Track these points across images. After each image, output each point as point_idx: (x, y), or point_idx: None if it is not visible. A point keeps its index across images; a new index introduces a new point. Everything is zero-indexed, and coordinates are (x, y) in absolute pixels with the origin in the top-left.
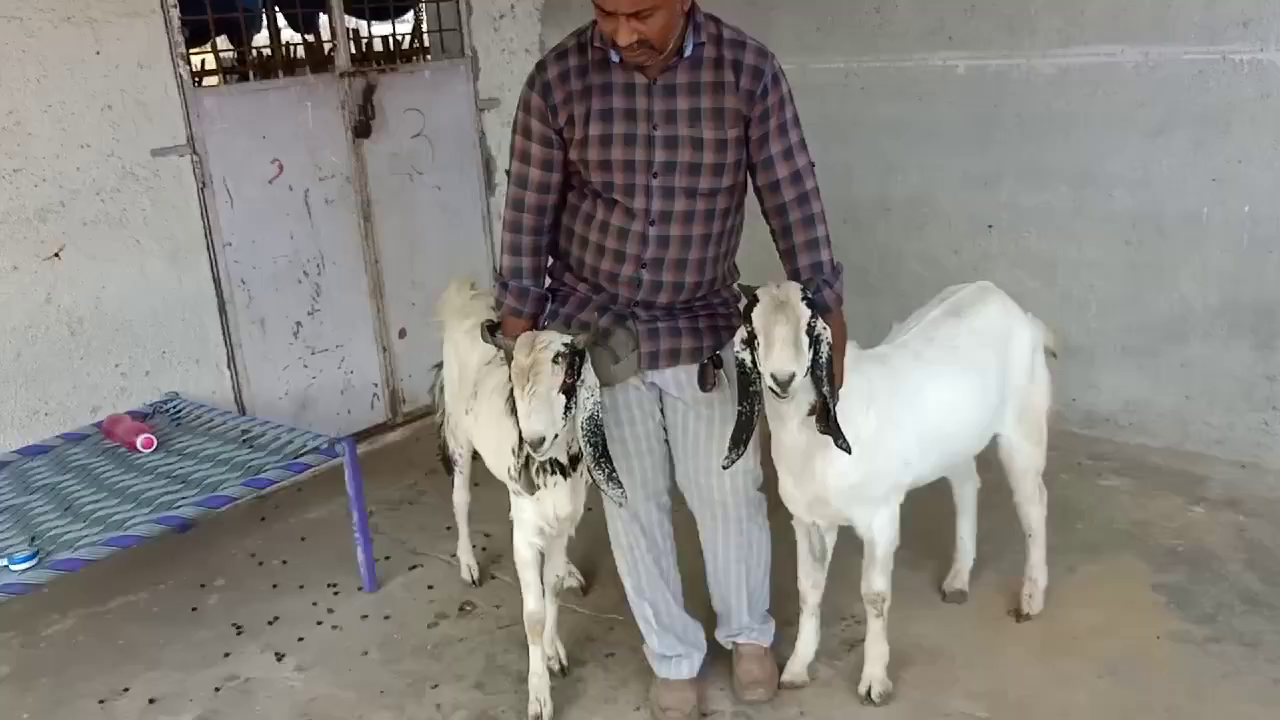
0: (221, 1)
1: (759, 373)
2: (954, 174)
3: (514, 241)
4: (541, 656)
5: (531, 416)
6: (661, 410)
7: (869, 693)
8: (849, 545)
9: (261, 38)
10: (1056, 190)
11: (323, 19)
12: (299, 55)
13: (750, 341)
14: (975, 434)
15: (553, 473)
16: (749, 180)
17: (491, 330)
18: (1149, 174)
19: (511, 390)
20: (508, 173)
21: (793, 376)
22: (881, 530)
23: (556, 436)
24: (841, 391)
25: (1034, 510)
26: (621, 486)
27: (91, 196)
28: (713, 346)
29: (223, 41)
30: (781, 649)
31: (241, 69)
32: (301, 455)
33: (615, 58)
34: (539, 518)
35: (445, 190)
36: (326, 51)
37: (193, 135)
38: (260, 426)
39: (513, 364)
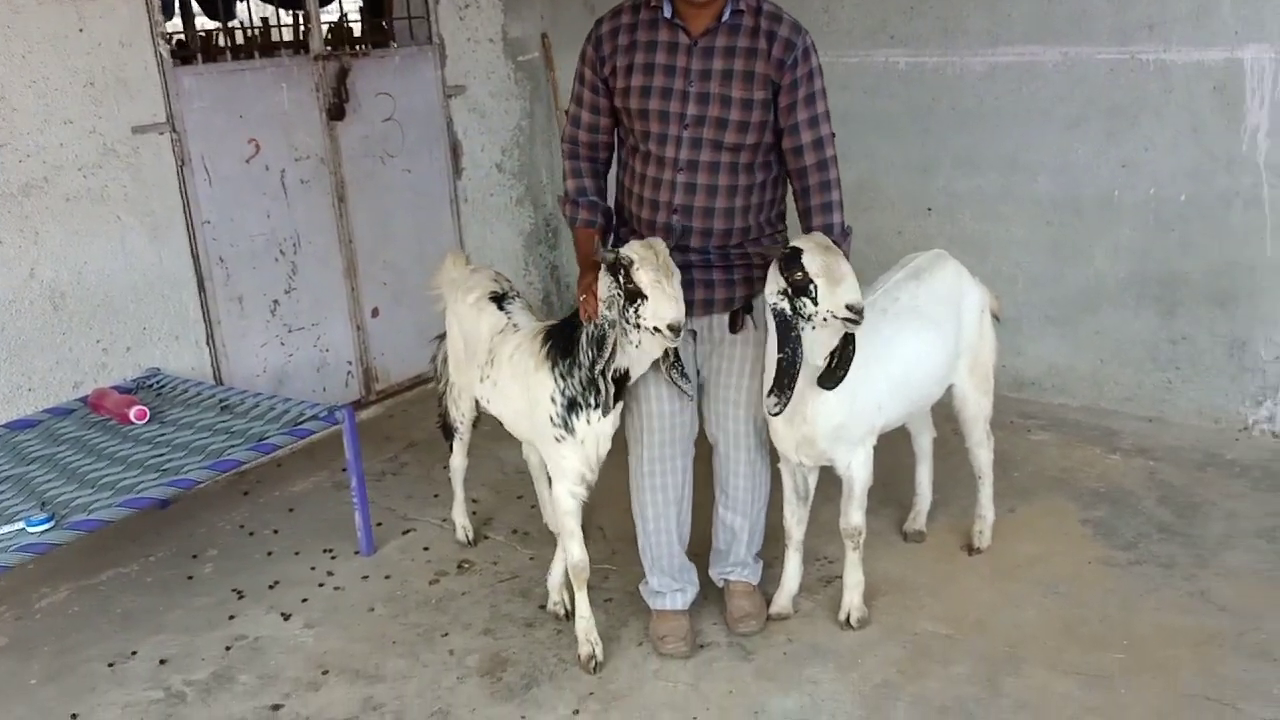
0: None
1: (802, 317)
2: (896, 161)
3: (574, 167)
4: (588, 602)
5: (679, 302)
6: (695, 352)
7: (848, 619)
8: (821, 495)
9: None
10: (987, 176)
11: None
12: (282, 37)
13: (796, 289)
14: (935, 381)
15: (617, 386)
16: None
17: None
18: (1067, 161)
19: (550, 343)
20: (566, 112)
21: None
22: (859, 468)
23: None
24: None
25: (983, 454)
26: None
27: (74, 172)
28: (745, 296)
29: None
30: (766, 586)
31: (217, 48)
32: (303, 422)
33: (668, 11)
34: (582, 463)
35: (415, 173)
36: (300, 34)
37: (172, 113)
38: (253, 398)
39: (640, 264)
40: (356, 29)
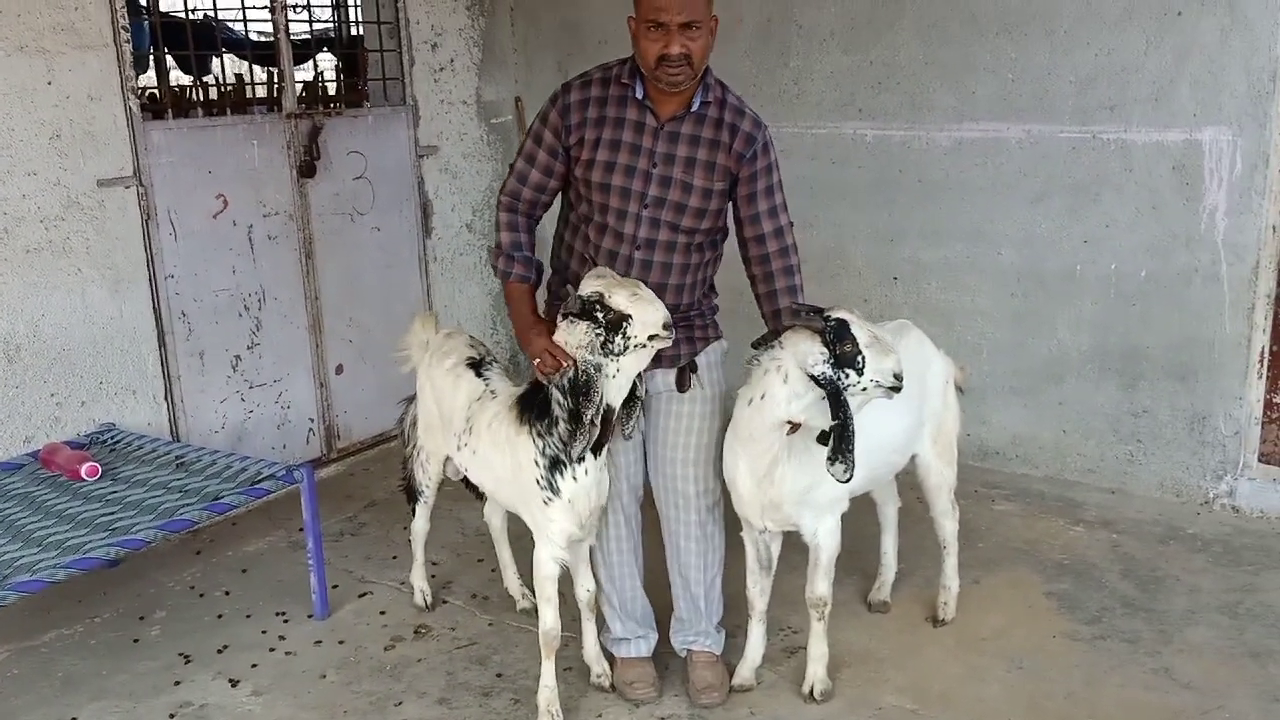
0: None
1: (852, 383)
2: (863, 231)
3: (511, 220)
4: (554, 672)
5: (659, 300)
6: (642, 409)
7: (812, 691)
8: (785, 564)
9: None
10: (953, 247)
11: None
12: (255, 94)
13: (842, 360)
14: (899, 450)
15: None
16: (733, 229)
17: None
18: (1031, 234)
19: (521, 408)
20: (511, 167)
21: None
22: (826, 536)
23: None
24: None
25: (948, 524)
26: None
27: (35, 224)
28: (690, 354)
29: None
30: (730, 656)
31: (190, 103)
32: (260, 481)
33: (639, 94)
34: (573, 523)
35: (384, 232)
36: (274, 92)
37: (139, 167)
38: (209, 456)
39: (608, 291)
40: (331, 88)
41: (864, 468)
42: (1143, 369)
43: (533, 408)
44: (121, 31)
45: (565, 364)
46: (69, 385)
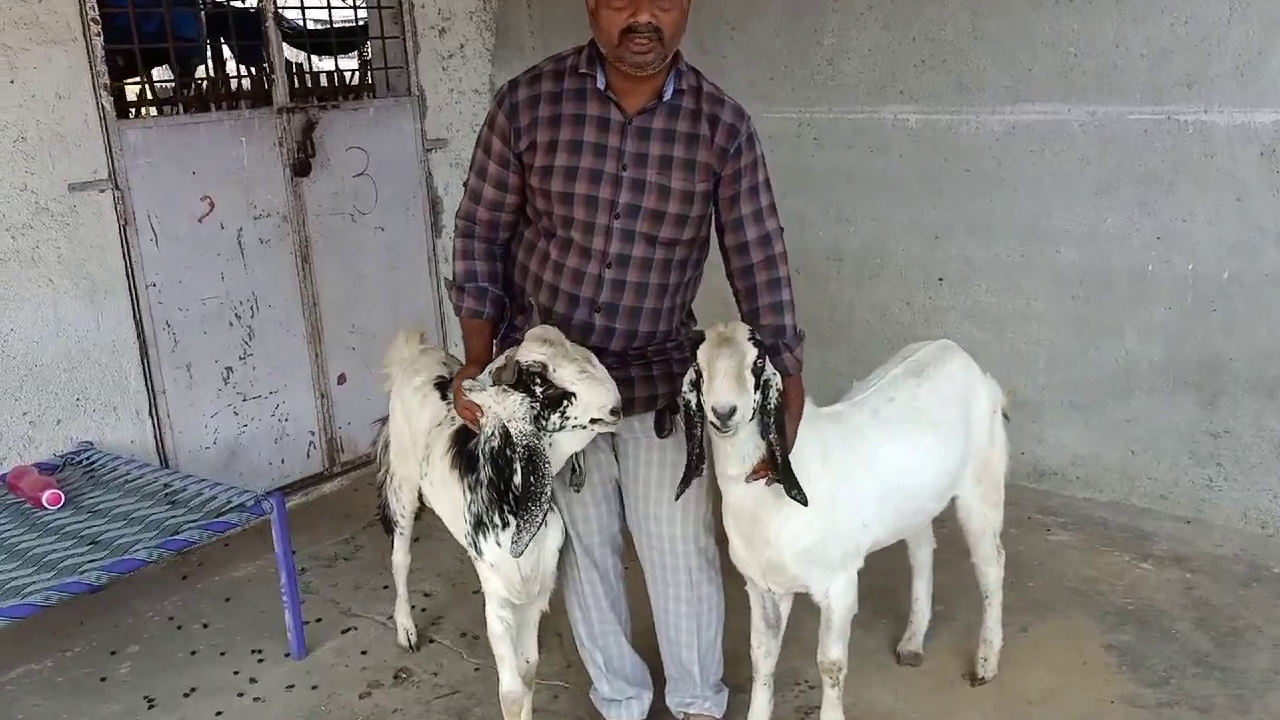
0: (158, 31)
1: (702, 413)
2: (905, 226)
3: (466, 247)
4: None
5: (611, 382)
6: (615, 453)
7: None
8: (804, 607)
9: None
10: (1005, 244)
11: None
12: (243, 88)
13: (696, 381)
14: (935, 495)
15: (504, 518)
16: (714, 237)
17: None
18: (1095, 230)
19: (459, 447)
20: (465, 184)
21: (733, 410)
22: (839, 597)
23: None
24: (796, 449)
25: (991, 571)
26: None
27: (1, 233)
28: (668, 394)
29: (165, 72)
30: (734, 717)
31: (180, 101)
32: (225, 513)
33: (601, 83)
34: (504, 585)
35: (389, 231)
36: (265, 86)
37: (115, 169)
38: (181, 480)
39: (553, 362)
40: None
41: (893, 516)
42: (1224, 383)
43: (463, 455)
44: (91, 25)
45: (483, 428)
46: (43, 403)
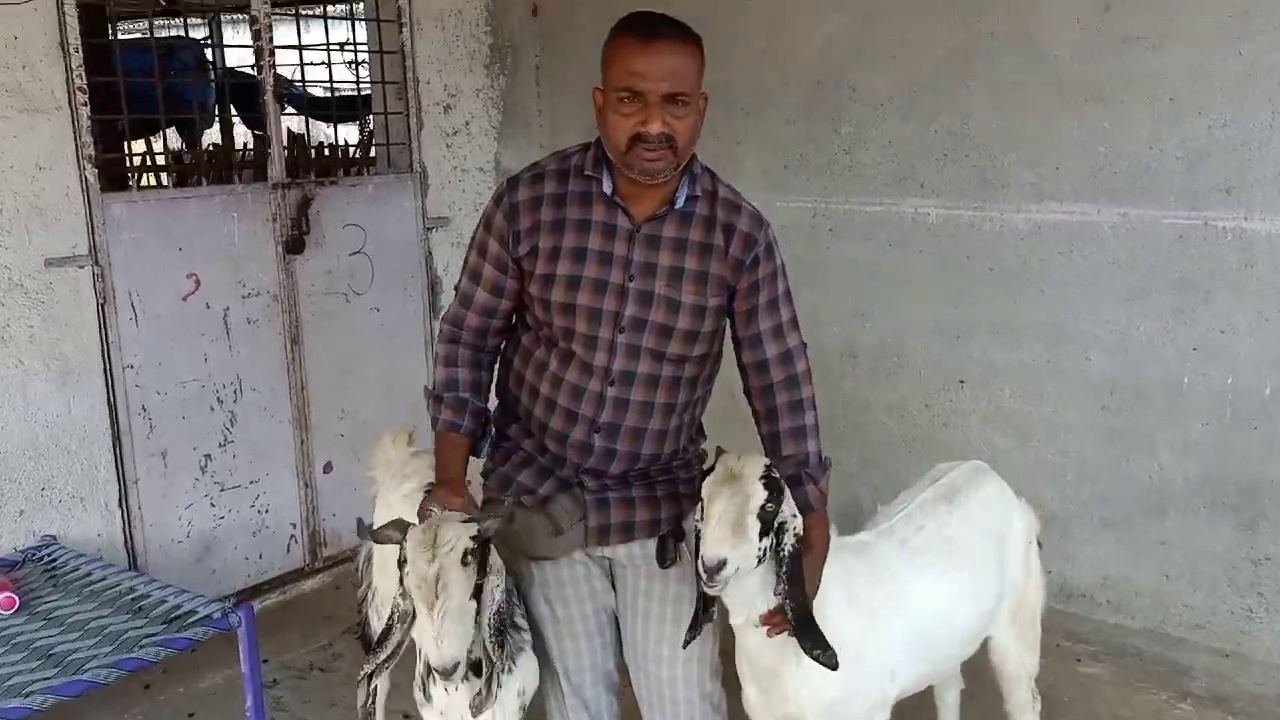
0: (168, 97)
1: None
2: (924, 324)
3: (450, 354)
4: None
5: (444, 641)
6: (612, 583)
7: None
8: None
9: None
10: (1030, 348)
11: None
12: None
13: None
14: (969, 639)
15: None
16: (734, 351)
17: (373, 528)
18: (1126, 337)
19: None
20: (456, 288)
21: (723, 564)
22: None
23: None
24: (822, 589)
25: (1026, 719)
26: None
27: None
28: (673, 518)
29: (172, 135)
30: None
31: (178, 169)
32: (188, 627)
33: (608, 188)
34: None
35: (385, 312)
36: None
37: (95, 245)
38: (145, 585)
39: (409, 569)
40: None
41: (921, 662)
42: (1265, 506)
43: None
44: (78, 93)
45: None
46: (4, 493)
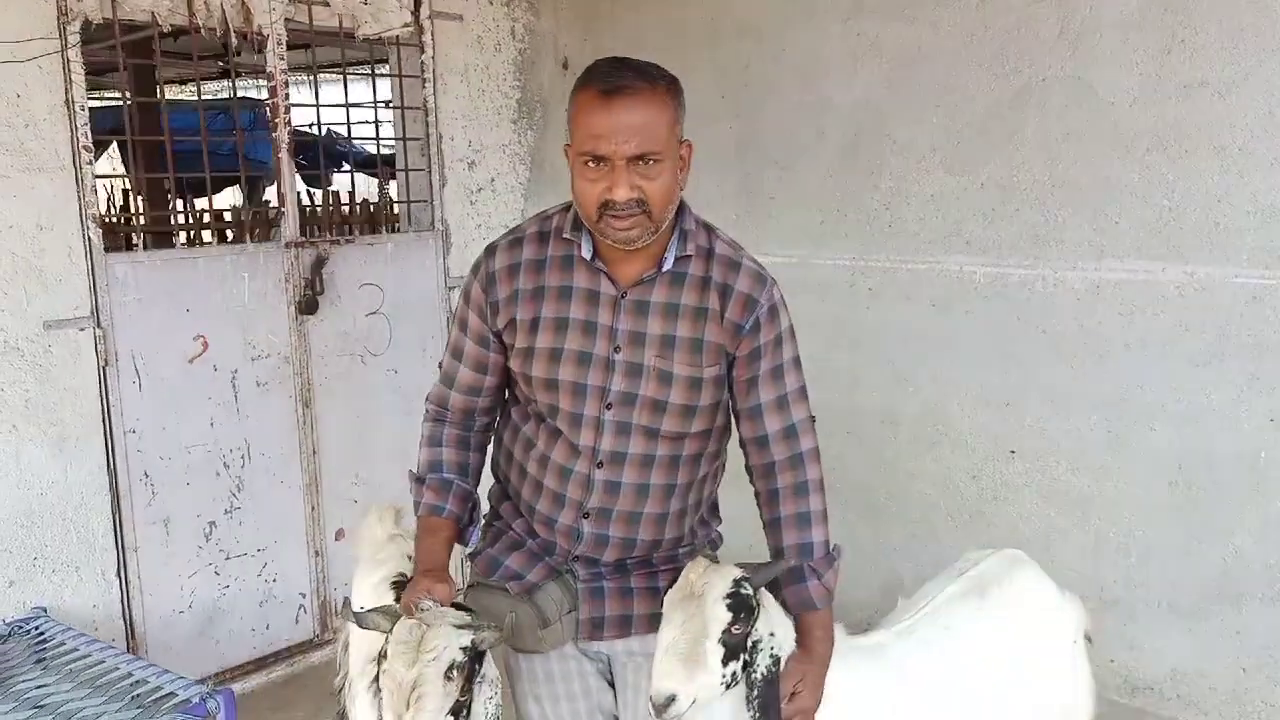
0: (231, 155)
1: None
2: (971, 390)
3: (434, 434)
4: None
5: None
6: (610, 679)
7: None
8: None
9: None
10: (1088, 418)
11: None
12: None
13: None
14: None
15: None
16: (735, 425)
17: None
18: (1196, 407)
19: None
20: (440, 365)
21: (671, 700)
22: None
23: None
24: (825, 701)
25: None
26: None
27: None
28: None
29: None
30: None
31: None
32: (163, 714)
33: (586, 252)
34: None
35: (402, 374)
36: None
37: (98, 306)
38: (128, 664)
39: (386, 668)
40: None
41: None
42: None
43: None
44: (83, 152)
45: None
46: None
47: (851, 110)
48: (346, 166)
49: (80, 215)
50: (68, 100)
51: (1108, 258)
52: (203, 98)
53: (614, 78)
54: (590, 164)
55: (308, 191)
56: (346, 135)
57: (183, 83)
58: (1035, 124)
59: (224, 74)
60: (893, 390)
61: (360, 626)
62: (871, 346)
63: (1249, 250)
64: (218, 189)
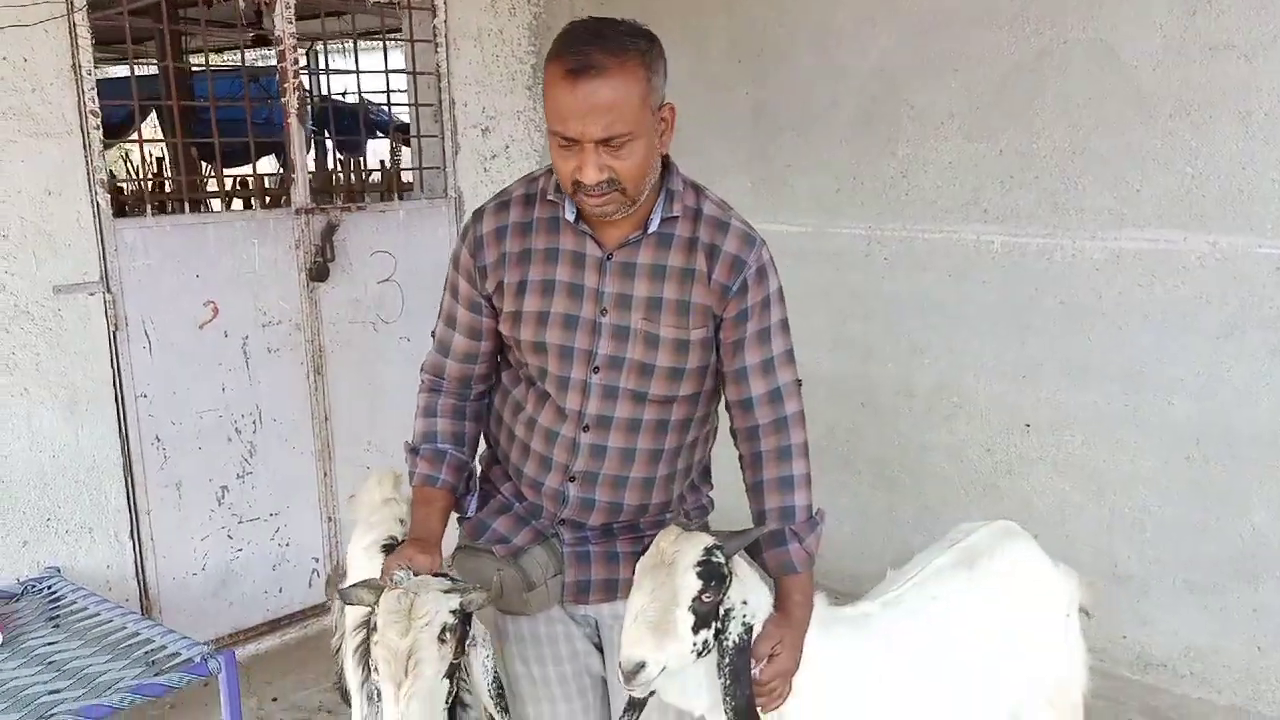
0: (266, 122)
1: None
2: (987, 361)
3: (429, 404)
4: None
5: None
6: (598, 643)
7: None
8: None
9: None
10: (1105, 390)
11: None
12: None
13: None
14: None
15: None
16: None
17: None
18: (1216, 381)
19: (368, 659)
20: (433, 334)
21: (640, 667)
22: None
23: None
24: (801, 671)
25: None
26: None
27: None
28: None
29: (272, 162)
30: None
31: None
32: (164, 672)
33: (570, 214)
34: None
35: (415, 341)
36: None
37: (107, 271)
38: (135, 623)
39: (378, 640)
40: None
41: None
42: None
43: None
44: (90, 116)
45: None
46: (7, 523)
47: (868, 76)
48: (381, 135)
49: (88, 180)
50: (74, 64)
51: (1128, 226)
52: (236, 66)
53: (580, 55)
54: (562, 145)
55: (338, 159)
56: (386, 103)
57: (203, 52)
58: (1055, 88)
59: (258, 41)
60: (908, 361)
61: (345, 602)
62: (887, 317)
63: (1274, 219)
64: (258, 155)
